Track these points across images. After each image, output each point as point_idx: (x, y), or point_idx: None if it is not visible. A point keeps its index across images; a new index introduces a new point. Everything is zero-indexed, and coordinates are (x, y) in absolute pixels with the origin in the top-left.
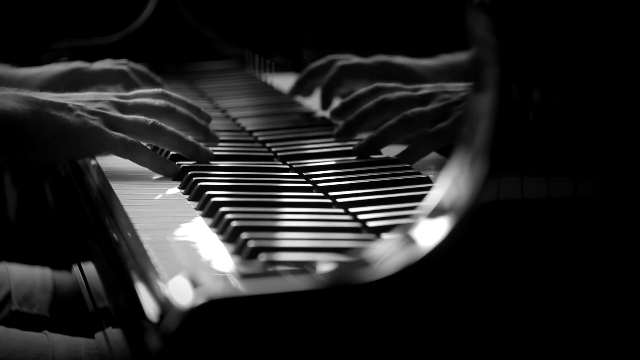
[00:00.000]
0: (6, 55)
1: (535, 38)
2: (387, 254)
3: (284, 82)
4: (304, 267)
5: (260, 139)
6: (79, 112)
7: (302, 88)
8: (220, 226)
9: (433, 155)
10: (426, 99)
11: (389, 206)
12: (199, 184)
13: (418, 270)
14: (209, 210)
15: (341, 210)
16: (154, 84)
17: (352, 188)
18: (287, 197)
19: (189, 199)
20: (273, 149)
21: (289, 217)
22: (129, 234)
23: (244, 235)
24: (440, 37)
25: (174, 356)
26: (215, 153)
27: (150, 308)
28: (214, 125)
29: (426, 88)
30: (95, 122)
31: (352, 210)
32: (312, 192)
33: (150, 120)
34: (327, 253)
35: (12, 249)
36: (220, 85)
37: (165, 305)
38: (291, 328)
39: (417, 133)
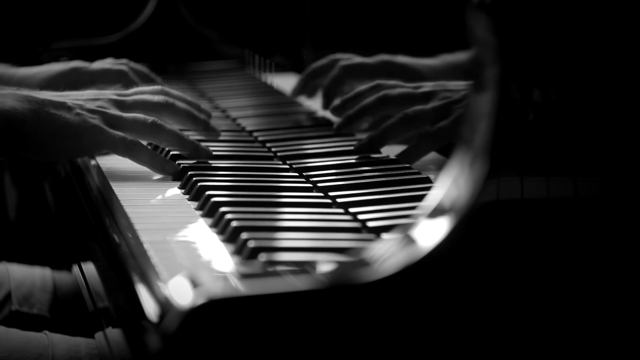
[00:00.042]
0: (6, 55)
1: (535, 38)
2: (387, 254)
3: (284, 82)
4: (304, 267)
5: (260, 139)
6: (78, 110)
7: (304, 88)
8: (220, 226)
9: (433, 155)
10: (427, 96)
11: (389, 206)
12: (199, 184)
13: (418, 270)
14: (209, 210)
15: (341, 210)
16: (154, 84)
17: (352, 188)
18: (287, 197)
19: (189, 199)
20: (273, 149)
21: (289, 217)
22: (129, 234)
23: (244, 235)
24: (440, 37)
25: (174, 356)
26: (215, 153)
27: (150, 308)
28: (214, 125)
29: (427, 86)
30: (95, 120)
31: (352, 210)
32: (312, 192)
33: (150, 119)
34: (327, 253)
35: (12, 249)
36: (220, 85)
37: (165, 305)
38: (291, 328)
39: (417, 132)
